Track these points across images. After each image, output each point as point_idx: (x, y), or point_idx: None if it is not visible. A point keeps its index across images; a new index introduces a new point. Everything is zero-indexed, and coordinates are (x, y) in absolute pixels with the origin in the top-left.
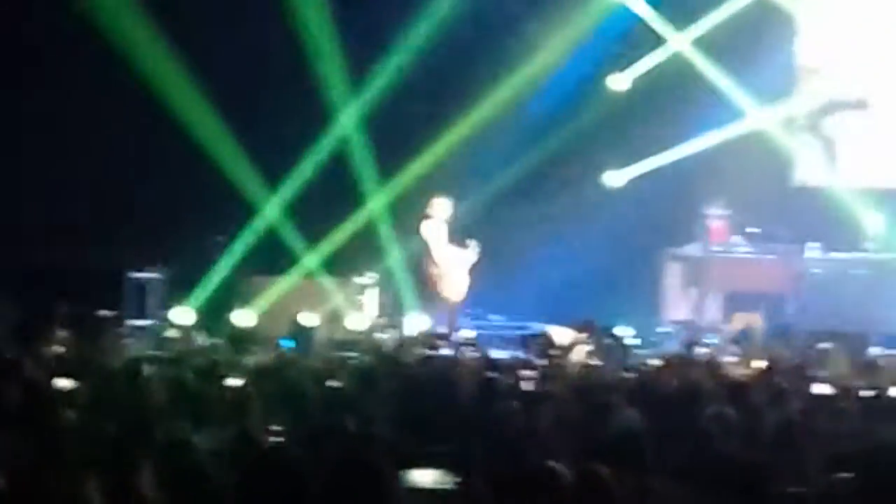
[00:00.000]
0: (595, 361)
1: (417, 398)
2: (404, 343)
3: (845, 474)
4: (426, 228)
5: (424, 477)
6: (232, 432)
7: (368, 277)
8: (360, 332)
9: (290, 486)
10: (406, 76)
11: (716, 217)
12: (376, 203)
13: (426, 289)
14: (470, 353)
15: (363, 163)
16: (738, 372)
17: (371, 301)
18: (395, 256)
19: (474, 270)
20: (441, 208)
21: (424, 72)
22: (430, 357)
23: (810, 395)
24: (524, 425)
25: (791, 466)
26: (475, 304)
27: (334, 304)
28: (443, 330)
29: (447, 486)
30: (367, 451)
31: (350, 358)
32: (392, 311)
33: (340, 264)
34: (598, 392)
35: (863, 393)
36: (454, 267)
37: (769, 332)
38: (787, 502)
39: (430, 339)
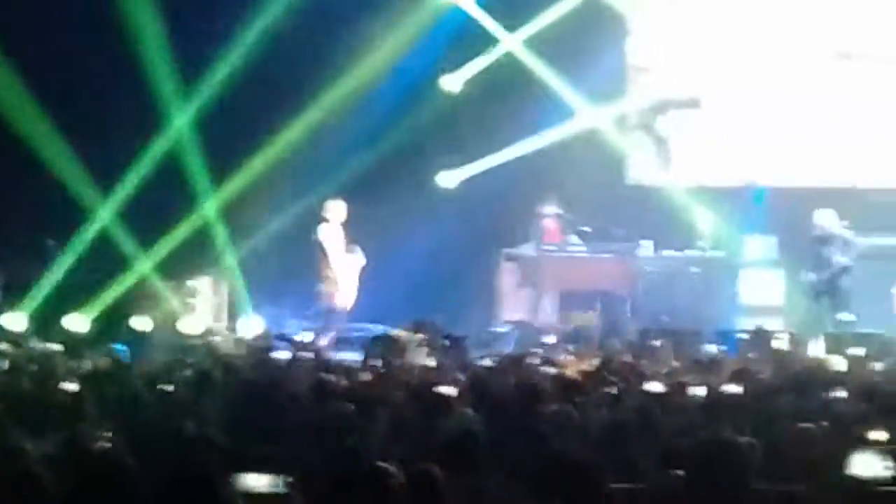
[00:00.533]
0: (432, 362)
1: (252, 401)
2: (239, 346)
3: (678, 471)
4: (322, 233)
5: (257, 481)
6: (63, 438)
7: (203, 280)
8: (195, 336)
9: (120, 492)
10: (239, 78)
11: (549, 216)
12: (210, 206)
13: (322, 293)
14: (306, 356)
15: (197, 166)
16: (573, 371)
17: (206, 304)
18: (230, 259)
19: (361, 276)
20: (336, 211)
21: (258, 74)
22: (265, 360)
23: (644, 392)
24: (359, 427)
25: (624, 464)
26: (303, 306)
27: (168, 307)
28: (326, 334)
29: (279, 490)
30: (200, 456)
31: (184, 362)
32: (227, 313)
33: (174, 268)
34: (434, 393)
35: (695, 390)
36: (347, 272)
37: (603, 331)
38: (620, 499)
39: (265, 342)
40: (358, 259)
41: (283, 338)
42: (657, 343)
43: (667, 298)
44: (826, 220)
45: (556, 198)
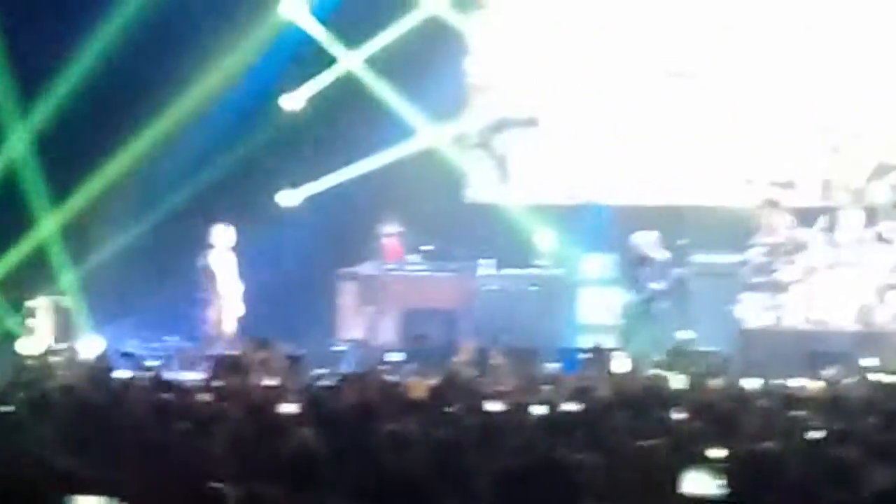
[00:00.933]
0: (273, 381)
1: (90, 422)
2: (78, 366)
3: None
4: (209, 258)
5: (89, 503)
6: None
7: (41, 300)
8: (33, 357)
9: None
10: (80, 95)
11: (390, 235)
12: (49, 225)
13: (208, 318)
14: (145, 375)
15: (34, 185)
16: (414, 389)
17: (44, 324)
18: (68, 279)
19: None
20: (222, 236)
21: (98, 91)
22: (104, 380)
23: (483, 411)
24: (197, 447)
25: (461, 483)
26: (144, 326)
27: (5, 327)
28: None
29: None
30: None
31: (22, 382)
32: (66, 334)
33: (11, 288)
34: (272, 412)
35: (535, 408)
36: (233, 297)
37: (443, 350)
38: None
39: (104, 362)
40: (239, 284)
41: (127, 356)
42: (497, 361)
43: (507, 316)
44: (643, 241)
45: (397, 217)
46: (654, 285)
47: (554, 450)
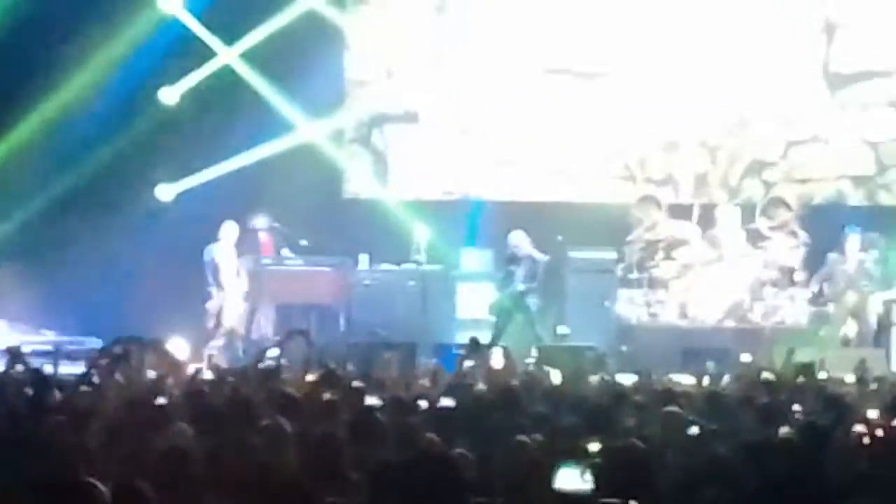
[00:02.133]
0: (151, 375)
1: None
2: None
3: (392, 483)
4: (214, 252)
5: None
6: None
7: None
8: None
9: None
10: None
11: (263, 230)
12: None
13: (210, 312)
14: (20, 368)
15: None
16: (293, 385)
17: None
18: None
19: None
20: (228, 232)
21: None
22: None
23: (362, 407)
24: (73, 441)
25: (335, 477)
26: (19, 319)
27: None
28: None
29: None
30: None
31: None
32: None
33: None
34: (149, 406)
35: (414, 403)
36: (236, 292)
37: (318, 345)
38: None
39: None
40: (242, 281)
41: (9, 350)
42: (385, 356)
43: (383, 311)
44: (517, 240)
45: (268, 211)
46: (521, 285)
47: (432, 444)
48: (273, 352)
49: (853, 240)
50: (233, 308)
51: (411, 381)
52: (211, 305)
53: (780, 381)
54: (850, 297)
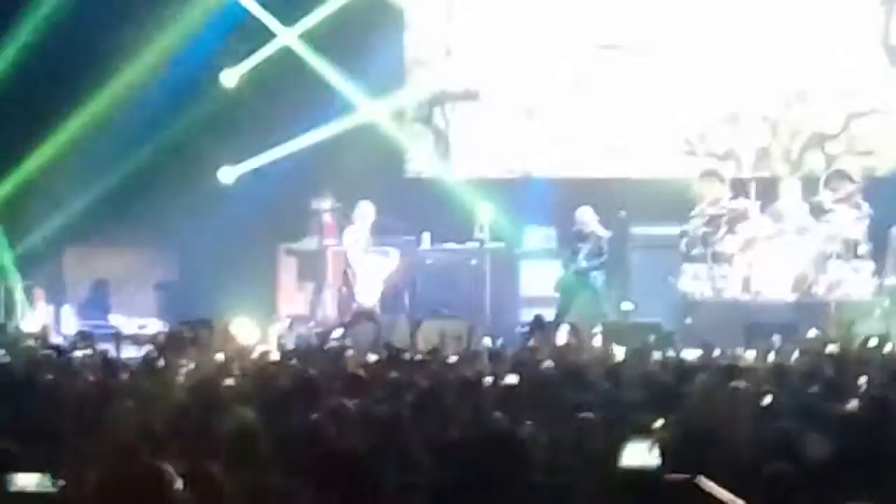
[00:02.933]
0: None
1: (28, 400)
2: (16, 344)
3: (458, 462)
4: (347, 234)
5: (27, 480)
6: None
7: None
8: None
9: None
10: (14, 73)
11: (327, 211)
12: None
13: (340, 293)
14: (86, 353)
15: None
16: (355, 364)
17: None
18: (5, 257)
19: (391, 278)
20: (364, 213)
21: (34, 68)
22: (42, 358)
23: (427, 385)
24: (140, 425)
25: (401, 456)
26: (91, 304)
27: None
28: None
29: (49, 490)
30: None
31: None
32: (5, 313)
33: None
34: (212, 389)
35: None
36: (369, 273)
37: (383, 325)
38: (398, 491)
39: (43, 340)
40: (388, 262)
41: (81, 335)
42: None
43: (446, 290)
44: (584, 216)
45: (333, 192)
46: (585, 261)
47: (498, 423)
48: (338, 332)
49: None
50: (364, 289)
51: (474, 358)
52: (343, 287)
53: (846, 354)
54: None
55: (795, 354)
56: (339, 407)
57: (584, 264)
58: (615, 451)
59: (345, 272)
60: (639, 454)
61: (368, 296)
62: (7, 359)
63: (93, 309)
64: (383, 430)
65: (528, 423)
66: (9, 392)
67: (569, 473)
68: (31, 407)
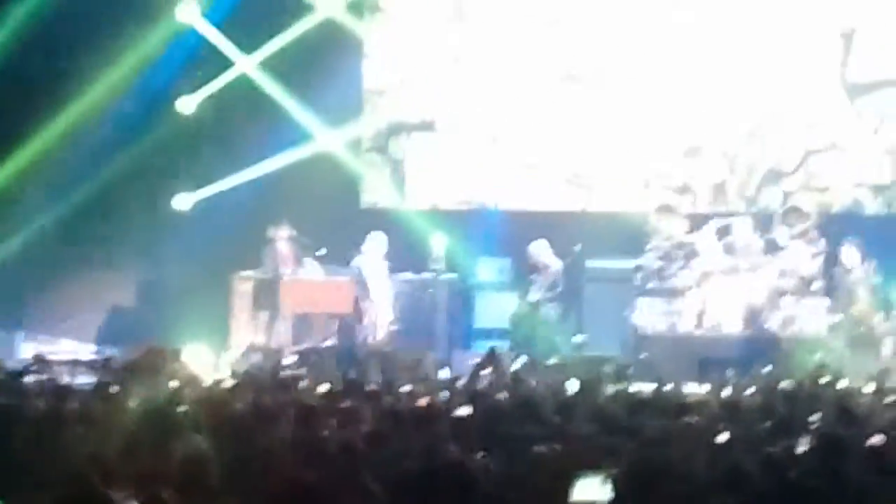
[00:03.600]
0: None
1: None
2: None
3: (412, 492)
4: (359, 263)
5: None
6: None
7: None
8: None
9: None
10: None
11: (283, 240)
12: None
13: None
14: (39, 378)
15: None
16: (308, 394)
17: None
18: None
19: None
20: (376, 244)
21: None
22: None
23: (381, 415)
24: (91, 452)
25: (353, 486)
26: (37, 328)
27: None
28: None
29: None
30: None
31: None
32: None
33: None
34: (165, 416)
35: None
36: (383, 303)
37: (339, 354)
38: None
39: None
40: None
41: (37, 360)
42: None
43: (402, 320)
44: (538, 249)
45: (288, 220)
46: (535, 294)
47: (451, 454)
48: (290, 360)
49: (849, 251)
50: (383, 319)
51: (429, 389)
52: (359, 318)
53: (799, 390)
54: (857, 308)
55: (749, 390)
56: (292, 435)
57: (537, 297)
58: (568, 485)
59: (356, 302)
60: (591, 489)
61: (382, 326)
62: None
63: (45, 335)
64: (337, 459)
65: (481, 454)
66: None
67: None
68: None
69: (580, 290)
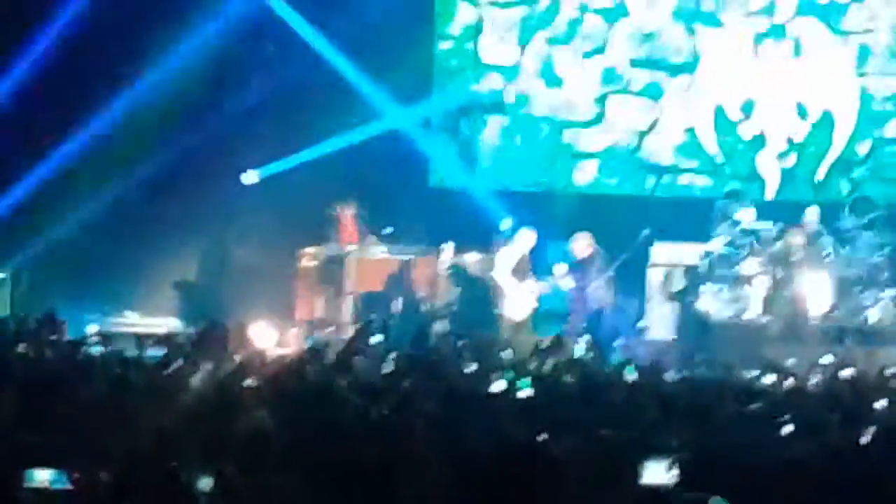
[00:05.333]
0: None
1: (50, 396)
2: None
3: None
4: (501, 254)
5: (43, 476)
6: None
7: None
8: None
9: None
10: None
11: (349, 216)
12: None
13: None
14: (104, 351)
15: None
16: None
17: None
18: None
19: None
20: (524, 238)
21: (55, 67)
22: (66, 354)
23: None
24: (157, 423)
25: (417, 465)
26: (107, 300)
27: None
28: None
29: (64, 486)
30: None
31: None
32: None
33: None
34: (229, 391)
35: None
36: (516, 294)
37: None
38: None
39: (63, 336)
40: (536, 289)
41: (100, 334)
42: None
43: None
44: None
45: (356, 198)
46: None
47: (517, 435)
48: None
49: None
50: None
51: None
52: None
53: (864, 380)
54: None
55: (814, 379)
56: (356, 413)
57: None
58: (635, 471)
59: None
60: (659, 473)
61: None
62: (29, 353)
63: (114, 306)
64: (401, 438)
65: (544, 437)
66: (28, 387)
67: (590, 490)
68: (51, 402)
69: (645, 274)
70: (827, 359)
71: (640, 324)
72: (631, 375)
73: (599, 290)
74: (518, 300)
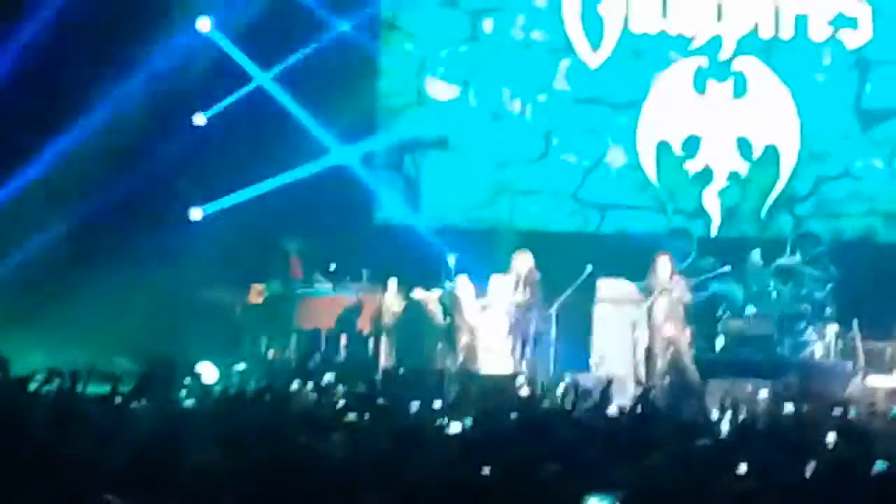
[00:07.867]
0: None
1: None
2: None
3: None
4: (497, 281)
5: None
6: None
7: None
8: None
9: None
10: None
11: (295, 253)
12: None
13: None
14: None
15: None
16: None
17: None
18: None
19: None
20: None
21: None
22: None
23: (391, 432)
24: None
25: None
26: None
27: None
28: None
29: None
30: None
31: None
32: None
33: None
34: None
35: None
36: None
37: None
38: None
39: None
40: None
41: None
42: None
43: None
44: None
45: (301, 235)
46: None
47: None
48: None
49: None
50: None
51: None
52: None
53: (808, 415)
54: None
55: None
56: (297, 449)
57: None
58: None
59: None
60: None
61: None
62: None
63: (56, 345)
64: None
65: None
66: None
67: None
68: None
69: (590, 310)
70: (763, 394)
71: (591, 360)
72: (577, 410)
73: (539, 323)
74: (485, 337)
